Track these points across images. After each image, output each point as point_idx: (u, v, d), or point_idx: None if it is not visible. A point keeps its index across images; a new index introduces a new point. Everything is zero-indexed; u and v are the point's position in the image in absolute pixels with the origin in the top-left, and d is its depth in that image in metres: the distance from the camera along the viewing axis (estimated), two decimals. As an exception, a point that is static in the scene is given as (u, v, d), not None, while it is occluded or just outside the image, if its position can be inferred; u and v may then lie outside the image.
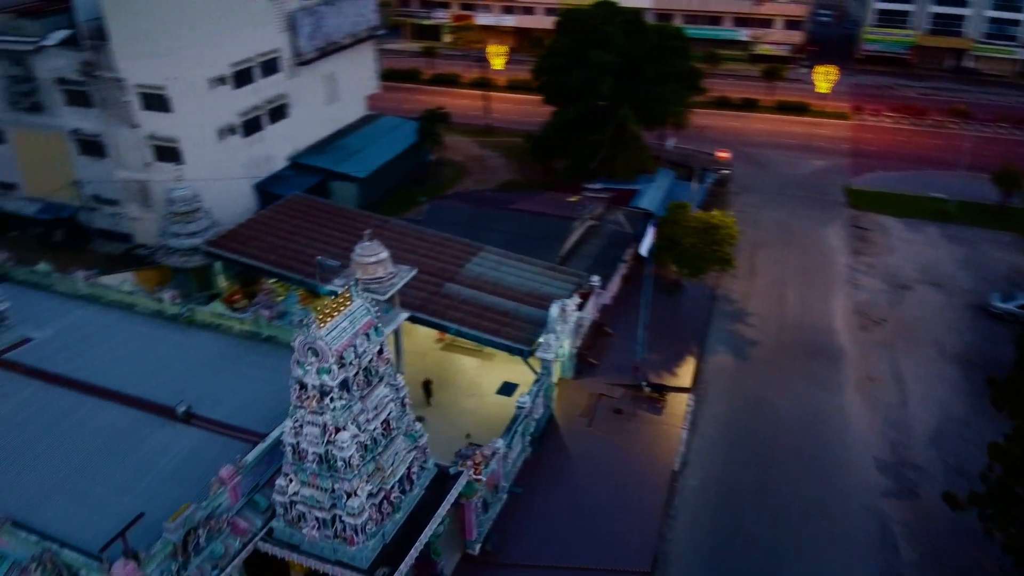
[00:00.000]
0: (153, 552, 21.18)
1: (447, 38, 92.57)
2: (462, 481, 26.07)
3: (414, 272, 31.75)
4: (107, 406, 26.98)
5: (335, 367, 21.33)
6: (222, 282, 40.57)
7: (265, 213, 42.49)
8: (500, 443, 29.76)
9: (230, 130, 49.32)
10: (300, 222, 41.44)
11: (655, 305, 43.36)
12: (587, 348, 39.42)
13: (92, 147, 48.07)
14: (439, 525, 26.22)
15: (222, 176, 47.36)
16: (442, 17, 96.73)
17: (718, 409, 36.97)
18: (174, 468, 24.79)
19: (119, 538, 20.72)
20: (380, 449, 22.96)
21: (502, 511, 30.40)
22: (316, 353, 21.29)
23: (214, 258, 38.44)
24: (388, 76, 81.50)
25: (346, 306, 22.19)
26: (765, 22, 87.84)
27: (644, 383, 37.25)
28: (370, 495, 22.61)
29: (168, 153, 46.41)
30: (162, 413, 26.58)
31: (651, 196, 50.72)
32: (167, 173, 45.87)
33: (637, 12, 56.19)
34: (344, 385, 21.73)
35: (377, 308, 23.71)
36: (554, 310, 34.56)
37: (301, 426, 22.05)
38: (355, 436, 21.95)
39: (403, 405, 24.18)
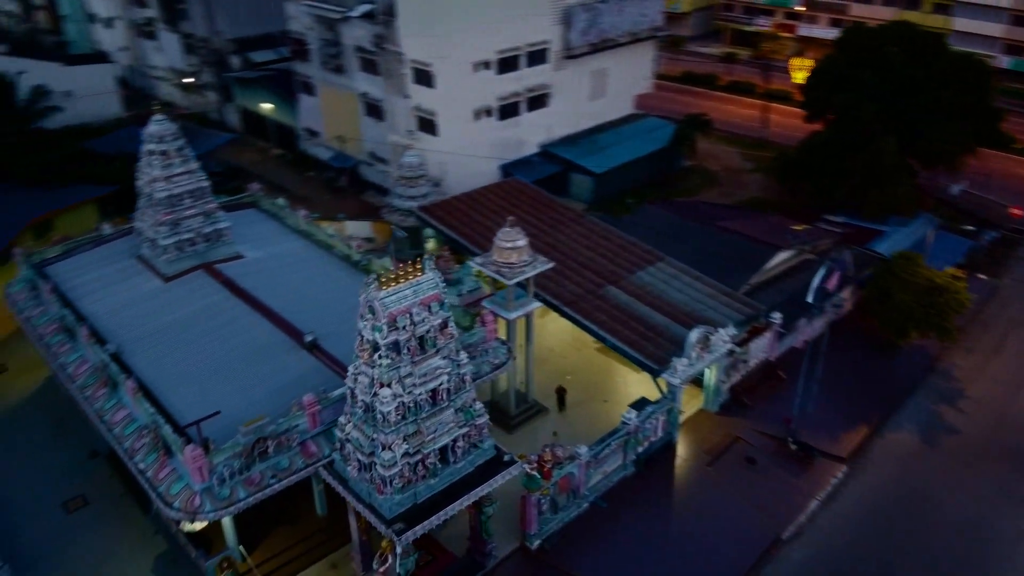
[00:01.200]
0: (223, 447, 25.16)
1: (766, 46, 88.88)
2: (512, 470, 26.58)
3: (548, 265, 32.46)
4: (262, 322, 31.96)
5: (386, 327, 23.23)
6: (430, 244, 44.61)
7: (478, 191, 45.58)
8: (583, 450, 29.62)
9: (486, 112, 53.35)
10: (504, 203, 43.87)
11: (855, 362, 39.07)
12: (745, 387, 36.84)
13: (374, 110, 55.28)
14: (488, 507, 27.26)
15: (470, 152, 51.68)
16: (764, 24, 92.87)
17: (869, 491, 32.46)
18: (283, 385, 28.73)
19: (195, 425, 25.01)
20: (424, 415, 24.47)
21: (577, 518, 30.28)
22: (373, 312, 23.40)
23: (422, 222, 42.45)
24: (684, 79, 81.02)
25: (415, 276, 23.91)
26: None
27: (792, 439, 33.97)
28: (406, 454, 24.29)
29: (427, 125, 51.82)
30: (295, 338, 30.80)
31: (896, 242, 44.92)
32: (425, 143, 51.45)
33: (936, 36, 49.37)
34: (395, 346, 23.56)
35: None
36: (693, 335, 32.95)
37: (357, 374, 24.40)
38: (397, 396, 23.72)
39: (463, 381, 25.38)
